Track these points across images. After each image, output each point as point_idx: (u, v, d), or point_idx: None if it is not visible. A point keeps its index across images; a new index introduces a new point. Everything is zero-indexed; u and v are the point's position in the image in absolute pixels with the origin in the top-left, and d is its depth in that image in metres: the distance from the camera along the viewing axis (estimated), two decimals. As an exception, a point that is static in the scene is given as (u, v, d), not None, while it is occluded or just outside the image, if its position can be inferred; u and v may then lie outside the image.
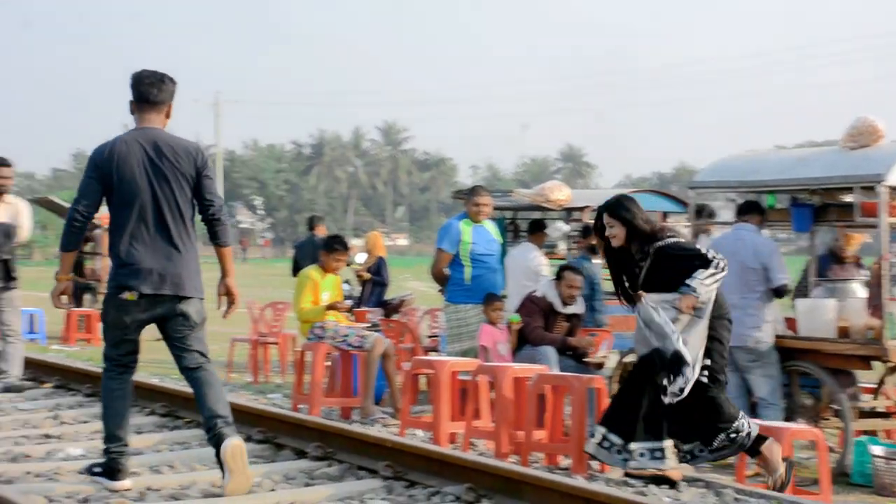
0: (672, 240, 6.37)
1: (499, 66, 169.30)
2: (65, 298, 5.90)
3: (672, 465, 6.15)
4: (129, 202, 5.58)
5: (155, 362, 13.37)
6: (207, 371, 5.73)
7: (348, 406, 8.64)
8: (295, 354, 12.71)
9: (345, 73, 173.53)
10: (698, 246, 6.67)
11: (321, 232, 13.28)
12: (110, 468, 5.63)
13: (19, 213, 9.17)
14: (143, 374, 10.53)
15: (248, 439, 6.80)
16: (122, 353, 5.71)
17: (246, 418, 7.00)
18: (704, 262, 6.18)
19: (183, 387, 8.85)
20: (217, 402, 5.62)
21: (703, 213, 9.65)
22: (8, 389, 8.85)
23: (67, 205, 15.59)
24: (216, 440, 5.50)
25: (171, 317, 5.63)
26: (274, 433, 6.72)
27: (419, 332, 11.55)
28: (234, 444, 5.45)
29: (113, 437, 5.66)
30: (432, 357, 8.28)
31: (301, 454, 6.46)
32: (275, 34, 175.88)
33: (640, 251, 6.39)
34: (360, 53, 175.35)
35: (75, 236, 5.66)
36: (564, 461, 6.75)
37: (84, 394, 8.74)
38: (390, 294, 13.10)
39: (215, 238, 5.75)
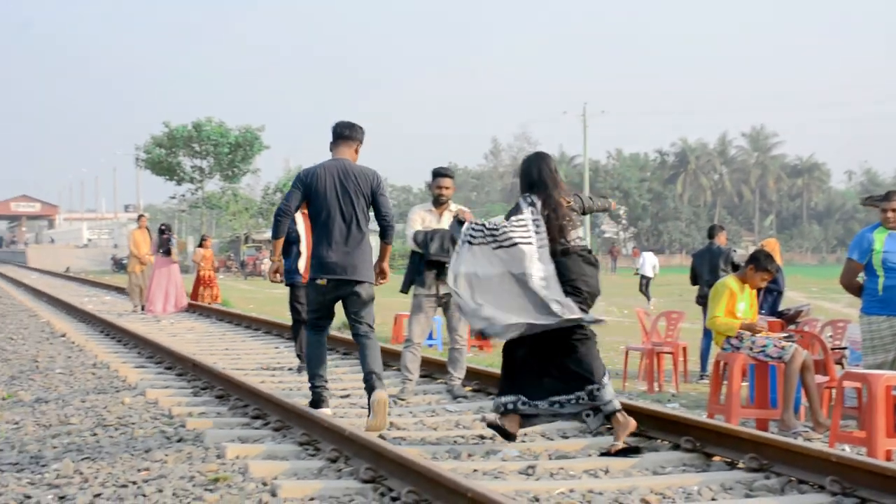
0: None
1: (872, 64, 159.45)
2: (278, 276, 8.21)
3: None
4: (323, 212, 7.64)
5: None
6: (370, 338, 7.61)
7: (765, 418, 8.47)
8: (706, 364, 12.75)
9: (711, 79, 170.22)
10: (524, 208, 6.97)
11: (721, 241, 13.11)
12: (315, 401, 7.76)
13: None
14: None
15: (675, 447, 6.88)
16: (317, 318, 7.85)
17: (672, 427, 7.05)
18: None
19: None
20: (374, 361, 7.44)
21: None
22: (452, 393, 9.38)
23: None
24: (369, 389, 7.32)
25: (348, 295, 7.64)
26: (702, 443, 6.70)
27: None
28: (380, 394, 7.21)
29: (316, 375, 7.82)
30: (866, 371, 7.93)
31: (731, 465, 6.42)
32: (639, 46, 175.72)
33: None
34: (723, 59, 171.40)
35: (278, 227, 7.78)
36: None
37: (503, 398, 9.11)
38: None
39: (384, 237, 7.80)
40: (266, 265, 54.66)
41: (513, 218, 6.90)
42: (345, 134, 7.85)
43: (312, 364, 7.89)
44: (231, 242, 65.10)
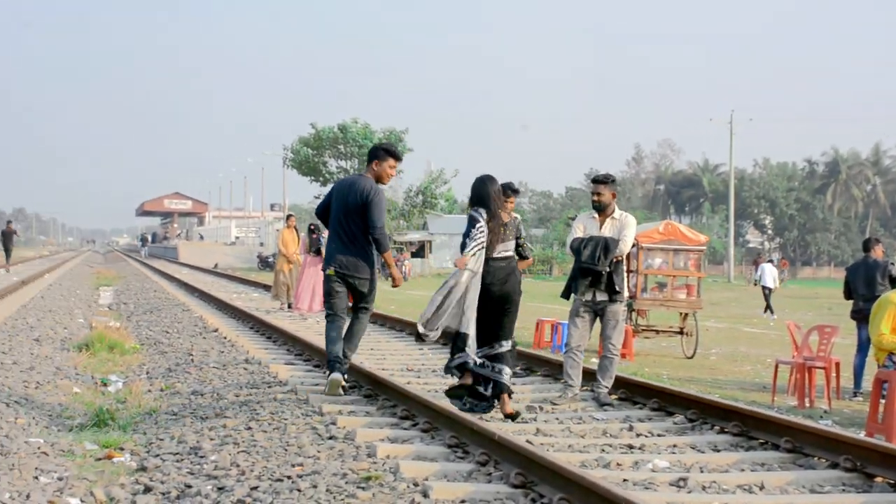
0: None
1: None
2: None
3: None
4: (334, 217, 9.36)
5: (697, 381, 13.52)
6: (360, 317, 9.51)
7: (928, 440, 8.14)
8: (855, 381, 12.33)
9: (863, 87, 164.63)
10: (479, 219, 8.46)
11: (878, 254, 12.67)
12: (330, 366, 9.19)
13: (624, 227, 9.39)
14: (694, 389, 10.70)
15: (833, 466, 6.68)
16: (331, 306, 9.38)
17: (830, 445, 6.85)
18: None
19: (755, 407, 8.87)
20: (351, 341, 9.36)
21: None
22: (598, 401, 9.29)
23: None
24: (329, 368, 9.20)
25: (352, 288, 9.36)
26: (863, 462, 6.49)
27: None
28: (335, 377, 9.10)
29: (331, 350, 9.23)
30: None
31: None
32: (789, 52, 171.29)
33: None
34: (876, 66, 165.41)
35: (320, 220, 9.73)
36: None
37: (650, 407, 9.00)
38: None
39: (377, 248, 9.29)
40: (408, 266, 55.32)
41: (477, 226, 8.41)
42: (370, 155, 9.43)
43: (327, 342, 9.36)
44: (373, 243, 65.94)
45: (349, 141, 63.32)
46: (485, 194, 8.55)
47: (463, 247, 8.48)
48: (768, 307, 30.83)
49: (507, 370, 8.43)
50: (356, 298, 9.46)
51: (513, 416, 8.33)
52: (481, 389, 8.47)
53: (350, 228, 9.20)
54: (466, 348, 8.29)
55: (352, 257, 9.22)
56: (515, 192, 10.86)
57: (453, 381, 8.67)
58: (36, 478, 6.41)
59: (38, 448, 7.32)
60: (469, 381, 8.47)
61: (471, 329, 8.29)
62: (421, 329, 8.27)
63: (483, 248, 8.38)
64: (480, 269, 8.36)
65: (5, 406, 8.84)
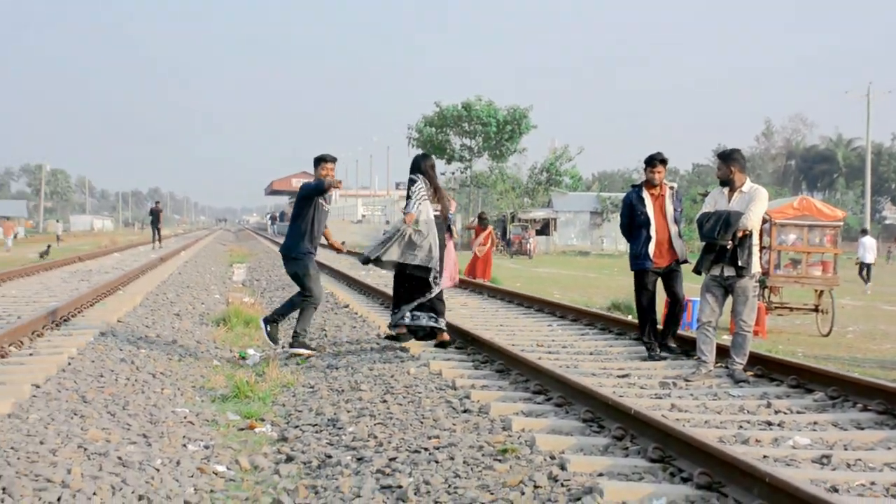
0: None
1: None
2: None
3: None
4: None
5: (834, 359, 13.17)
6: (297, 302, 11.27)
7: None
8: None
9: None
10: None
11: None
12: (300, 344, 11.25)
13: (752, 201, 9.19)
14: (832, 366, 10.44)
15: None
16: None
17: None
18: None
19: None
20: (305, 320, 11.30)
21: None
22: (734, 378, 9.15)
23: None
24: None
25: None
26: None
27: None
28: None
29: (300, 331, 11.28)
30: None
31: None
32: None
33: None
34: None
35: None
36: None
37: (788, 384, 8.81)
38: None
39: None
40: (533, 244, 55.26)
41: (416, 185, 10.56)
42: (314, 163, 11.43)
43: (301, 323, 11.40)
44: (497, 221, 66.09)
45: (473, 119, 63.43)
46: (420, 166, 10.79)
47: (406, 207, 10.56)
48: (866, 279, 30.71)
49: (442, 319, 10.71)
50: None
51: (445, 344, 10.74)
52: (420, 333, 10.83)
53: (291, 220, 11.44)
54: (433, 286, 10.63)
55: (284, 246, 11.38)
56: (664, 161, 10.76)
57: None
58: (184, 445, 6.65)
59: (185, 417, 7.58)
60: (404, 331, 10.84)
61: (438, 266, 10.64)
62: (364, 256, 10.84)
63: (425, 200, 10.55)
64: (432, 217, 10.55)
65: (151, 377, 9.18)
